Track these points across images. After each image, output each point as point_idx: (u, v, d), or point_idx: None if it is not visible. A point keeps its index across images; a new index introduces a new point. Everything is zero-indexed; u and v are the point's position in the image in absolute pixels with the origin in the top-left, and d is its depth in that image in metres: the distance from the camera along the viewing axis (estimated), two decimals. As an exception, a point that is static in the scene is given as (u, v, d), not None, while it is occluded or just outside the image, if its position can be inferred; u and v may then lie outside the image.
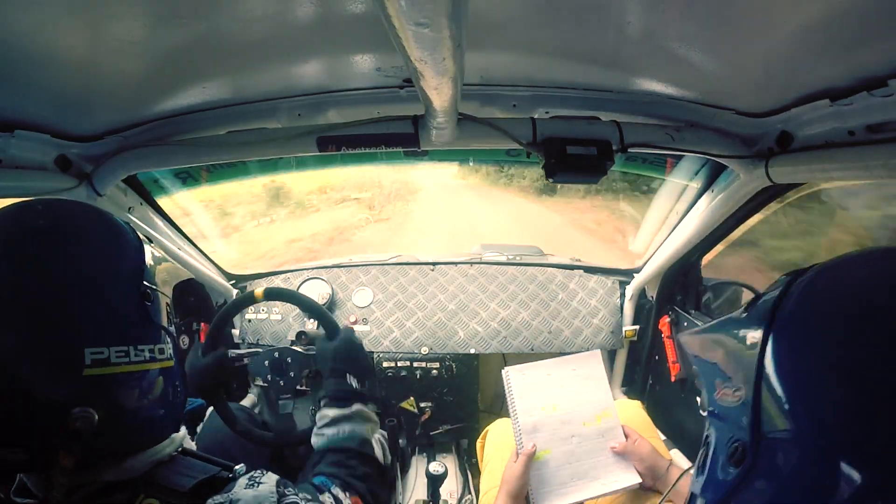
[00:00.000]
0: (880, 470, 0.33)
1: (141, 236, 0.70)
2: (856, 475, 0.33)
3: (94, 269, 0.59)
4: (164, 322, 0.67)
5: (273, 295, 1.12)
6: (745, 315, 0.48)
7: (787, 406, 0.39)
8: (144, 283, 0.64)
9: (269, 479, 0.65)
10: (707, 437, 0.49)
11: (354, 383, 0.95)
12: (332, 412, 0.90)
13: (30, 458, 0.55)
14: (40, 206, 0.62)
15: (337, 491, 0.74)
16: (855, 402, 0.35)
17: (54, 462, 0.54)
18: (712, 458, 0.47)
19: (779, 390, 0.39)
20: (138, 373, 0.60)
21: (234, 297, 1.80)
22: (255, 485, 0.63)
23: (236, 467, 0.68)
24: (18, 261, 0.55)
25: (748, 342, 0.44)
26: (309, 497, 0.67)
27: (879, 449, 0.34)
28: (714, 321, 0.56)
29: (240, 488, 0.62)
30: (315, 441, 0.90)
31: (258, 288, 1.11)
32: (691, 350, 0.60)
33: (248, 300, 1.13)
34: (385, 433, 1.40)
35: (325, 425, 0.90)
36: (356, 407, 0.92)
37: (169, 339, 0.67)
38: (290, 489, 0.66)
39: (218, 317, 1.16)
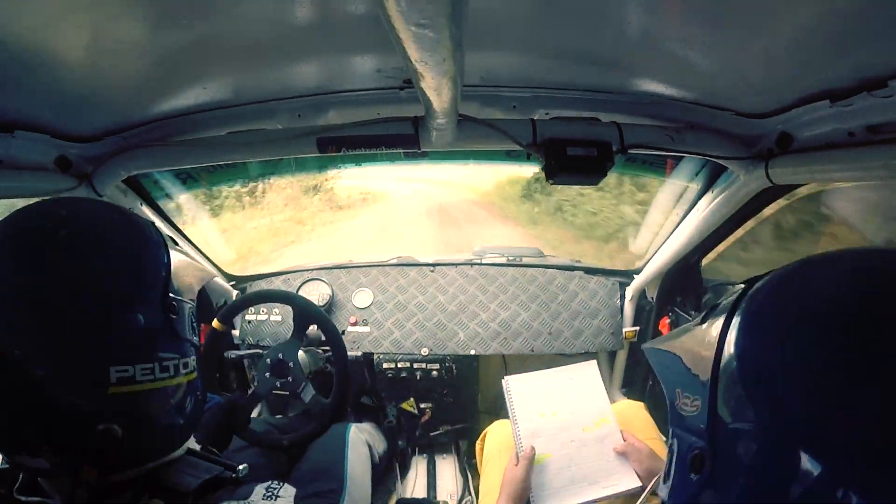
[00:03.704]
0: (835, 458, 0.34)
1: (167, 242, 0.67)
2: (812, 466, 0.34)
3: (121, 286, 0.58)
4: (188, 333, 0.65)
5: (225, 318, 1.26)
6: (702, 323, 0.49)
7: (740, 406, 0.40)
8: (170, 294, 0.62)
9: (287, 493, 0.65)
10: (670, 446, 0.51)
11: None
12: None
13: (51, 467, 0.54)
14: (63, 210, 0.59)
15: None
16: (807, 396, 0.36)
17: (77, 473, 0.54)
18: (676, 466, 0.48)
19: (732, 390, 0.41)
20: (163, 388, 0.59)
21: (234, 297, 1.80)
22: (273, 497, 0.63)
23: (239, 467, 0.67)
24: (45, 273, 0.53)
25: (704, 346, 0.45)
26: None
27: (834, 437, 0.35)
28: (673, 331, 0.57)
29: (257, 497, 0.61)
30: None
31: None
32: (652, 361, 0.60)
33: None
34: (376, 426, 1.41)
35: None
36: None
37: (193, 350, 0.66)
38: None
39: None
